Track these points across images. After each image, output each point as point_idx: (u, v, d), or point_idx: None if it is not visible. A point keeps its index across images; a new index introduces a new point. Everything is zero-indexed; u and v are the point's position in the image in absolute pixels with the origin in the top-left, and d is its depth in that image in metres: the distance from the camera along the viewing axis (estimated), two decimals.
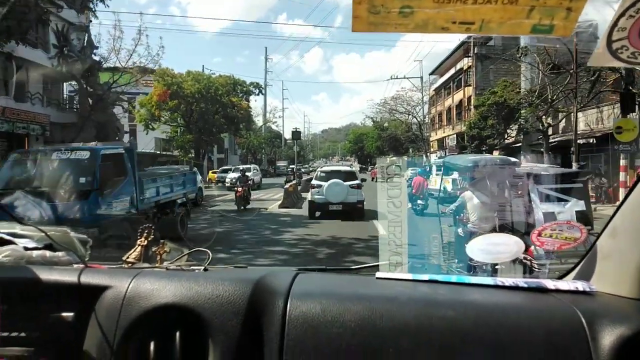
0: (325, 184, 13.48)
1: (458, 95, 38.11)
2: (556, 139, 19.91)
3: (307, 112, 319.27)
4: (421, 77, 45.41)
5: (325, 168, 16.91)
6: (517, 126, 23.01)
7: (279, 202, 17.75)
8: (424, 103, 45.20)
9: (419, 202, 12.21)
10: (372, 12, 0.81)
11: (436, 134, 46.03)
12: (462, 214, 5.65)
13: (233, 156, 61.22)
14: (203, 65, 38.59)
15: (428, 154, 40.76)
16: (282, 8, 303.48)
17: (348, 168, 17.03)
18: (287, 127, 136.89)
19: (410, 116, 43.83)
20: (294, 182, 22.25)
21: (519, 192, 4.24)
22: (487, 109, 21.34)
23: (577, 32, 13.73)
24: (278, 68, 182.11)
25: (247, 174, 20.83)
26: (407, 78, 45.42)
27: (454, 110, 39.19)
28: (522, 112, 21.36)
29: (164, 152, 35.48)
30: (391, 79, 48.36)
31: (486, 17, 0.82)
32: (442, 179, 9.27)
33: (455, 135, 35.57)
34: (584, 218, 3.90)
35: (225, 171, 30.73)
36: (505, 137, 23.15)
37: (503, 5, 0.80)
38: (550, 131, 18.80)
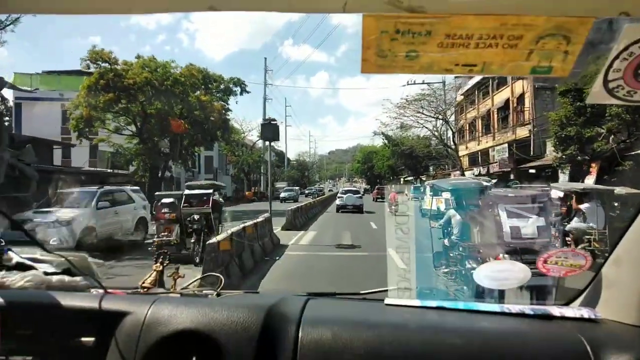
0: (344, 196, 27.34)
1: (501, 95, 29.33)
2: None
3: (313, 134, 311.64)
4: (443, 82, 36.85)
5: (344, 188, 32.68)
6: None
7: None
8: (451, 108, 36.25)
9: (393, 207, 10.71)
10: (380, 55, 0.83)
11: (467, 148, 37.02)
12: (448, 228, 6.62)
13: (225, 177, 53.44)
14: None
15: (462, 171, 31.64)
16: (288, 33, 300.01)
17: (355, 188, 33.14)
18: (291, 148, 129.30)
19: (439, 120, 34.57)
20: (243, 225, 9.29)
21: (490, 210, 4.82)
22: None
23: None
24: (283, 89, 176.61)
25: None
26: (427, 83, 36.97)
27: (495, 115, 30.35)
28: None
29: (117, 171, 27.04)
30: (407, 84, 39.91)
31: (487, 60, 0.85)
32: (432, 199, 11.11)
33: (506, 145, 26.54)
34: (545, 232, 4.73)
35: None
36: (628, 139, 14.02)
37: (503, 49, 0.82)
38: None
